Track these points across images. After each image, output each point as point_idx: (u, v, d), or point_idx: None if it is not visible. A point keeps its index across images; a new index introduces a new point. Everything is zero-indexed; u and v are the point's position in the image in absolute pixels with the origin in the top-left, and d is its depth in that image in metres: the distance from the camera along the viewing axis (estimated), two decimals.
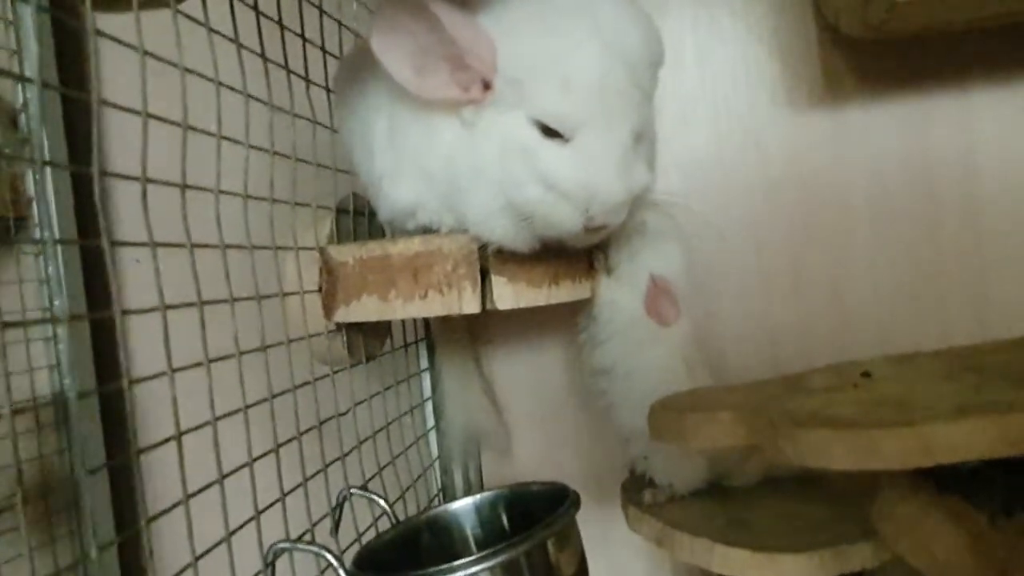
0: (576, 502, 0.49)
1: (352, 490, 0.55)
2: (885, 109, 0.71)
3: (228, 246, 0.43)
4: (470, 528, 0.53)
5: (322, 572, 0.50)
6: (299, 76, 0.54)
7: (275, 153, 0.49)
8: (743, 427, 0.42)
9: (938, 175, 0.72)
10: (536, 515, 0.48)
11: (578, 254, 0.55)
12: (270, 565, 0.45)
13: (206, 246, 0.40)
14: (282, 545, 0.45)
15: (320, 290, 0.54)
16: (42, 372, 0.80)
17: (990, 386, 0.38)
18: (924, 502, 0.39)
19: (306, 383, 0.51)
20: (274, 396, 0.47)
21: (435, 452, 0.78)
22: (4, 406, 0.29)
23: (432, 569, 0.43)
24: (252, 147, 0.46)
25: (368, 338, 0.61)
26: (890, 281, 0.72)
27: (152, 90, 0.37)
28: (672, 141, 0.74)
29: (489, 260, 0.51)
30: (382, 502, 0.55)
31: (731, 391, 0.48)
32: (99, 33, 0.34)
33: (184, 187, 0.39)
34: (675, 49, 0.74)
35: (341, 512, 0.55)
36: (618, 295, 0.55)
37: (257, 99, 0.47)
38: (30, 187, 0.81)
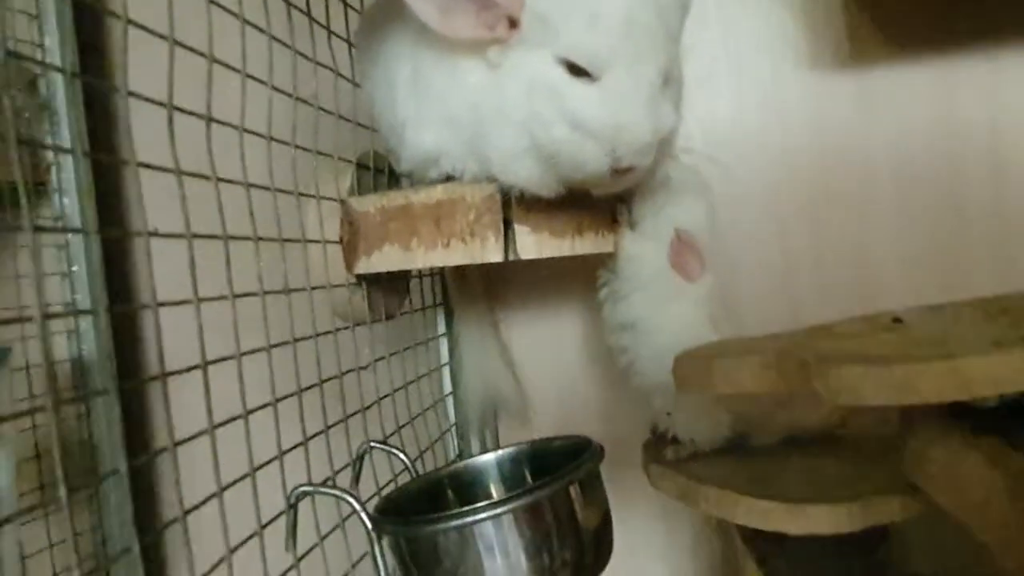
0: (600, 452, 0.49)
1: (373, 443, 0.54)
2: (911, 72, 0.70)
3: (252, 185, 0.42)
4: (492, 483, 0.52)
5: (344, 519, 0.50)
6: (321, 25, 0.54)
7: (298, 99, 0.49)
8: (773, 371, 0.41)
9: (964, 140, 0.70)
10: (558, 469, 0.48)
11: (601, 207, 0.54)
12: (292, 507, 0.45)
13: (230, 181, 0.40)
14: (304, 488, 0.45)
15: (341, 241, 0.54)
16: (61, 337, 0.80)
17: None
18: (959, 444, 0.38)
19: (328, 332, 0.51)
20: (296, 340, 0.47)
21: (452, 418, 0.78)
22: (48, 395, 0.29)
23: (455, 511, 0.43)
24: (275, 90, 0.46)
25: (387, 296, 0.61)
26: (913, 248, 0.71)
27: (177, 25, 0.37)
28: (693, 103, 0.72)
29: (512, 210, 0.50)
30: (403, 456, 0.54)
31: (757, 340, 0.47)
32: None
33: (209, 119, 0.38)
34: (698, 9, 0.72)
35: (361, 464, 0.54)
36: (642, 249, 0.54)
37: (280, 41, 0.47)
38: (48, 155, 0.81)
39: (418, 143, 0.50)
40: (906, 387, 0.34)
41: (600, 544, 0.47)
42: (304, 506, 0.46)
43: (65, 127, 0.81)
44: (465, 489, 0.51)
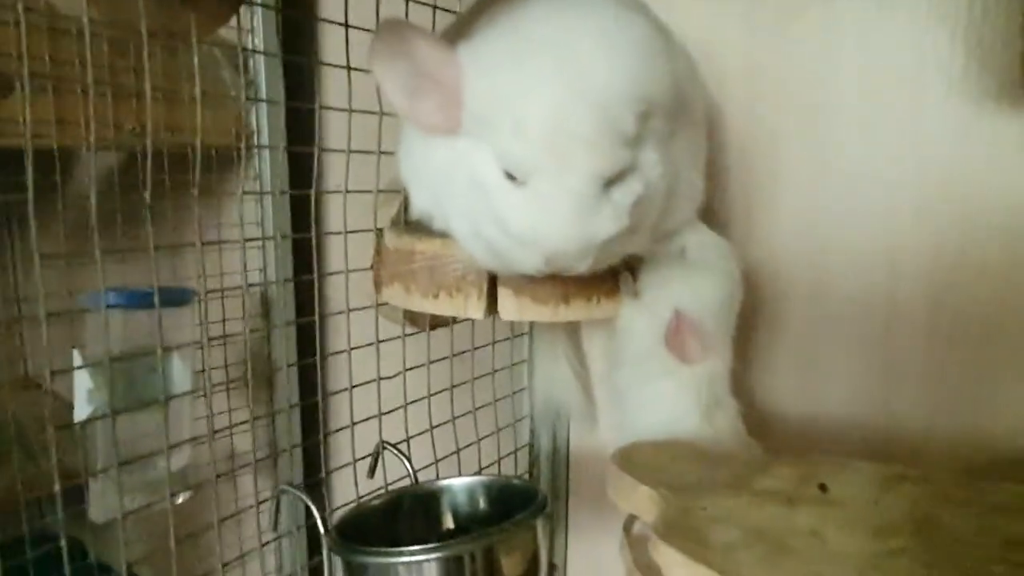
0: (539, 509, 0.51)
1: (386, 444, 0.62)
2: None
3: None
4: (448, 509, 0.57)
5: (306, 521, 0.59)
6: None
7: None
8: (655, 509, 0.40)
9: None
10: (512, 507, 0.52)
11: (602, 274, 0.53)
12: (276, 499, 0.55)
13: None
14: (283, 487, 0.55)
15: (372, 268, 0.60)
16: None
17: (894, 565, 0.31)
18: None
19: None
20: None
21: (526, 410, 0.82)
22: None
23: (382, 549, 0.49)
24: None
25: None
26: None
27: None
28: (804, 139, 0.64)
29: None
30: (407, 464, 0.61)
31: (689, 460, 0.44)
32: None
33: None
34: (829, 25, 0.62)
35: (376, 460, 0.63)
36: (637, 322, 0.52)
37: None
38: (251, 123, 0.97)
39: (415, 200, 0.53)
40: None
41: None
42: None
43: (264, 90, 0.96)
44: (422, 511, 0.57)
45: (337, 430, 0.63)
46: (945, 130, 0.59)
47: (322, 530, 0.52)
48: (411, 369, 0.64)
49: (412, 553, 0.48)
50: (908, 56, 0.60)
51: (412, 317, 0.65)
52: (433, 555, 0.48)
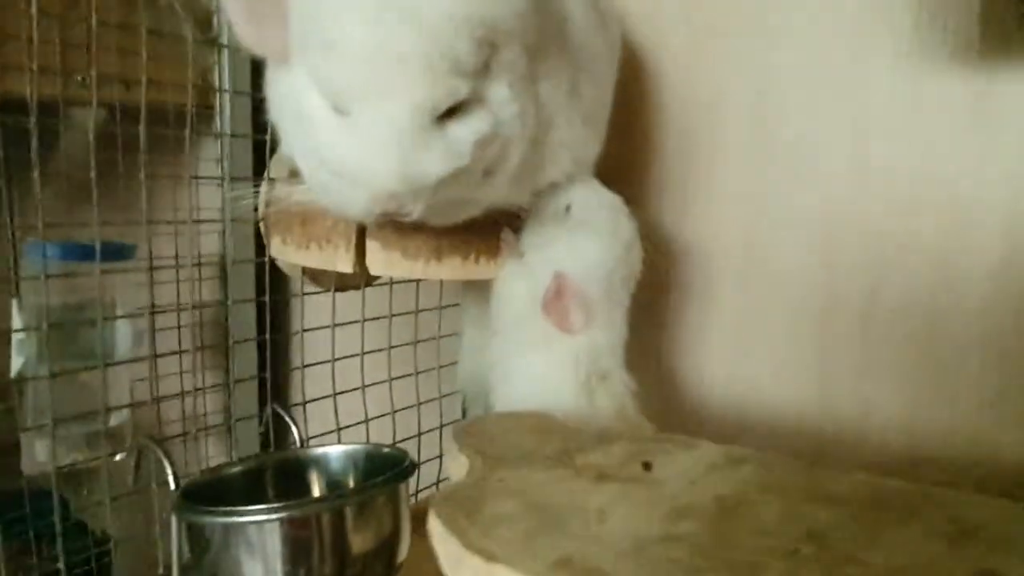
0: (400, 475, 0.47)
1: (275, 407, 0.59)
2: None
3: None
4: (324, 476, 0.54)
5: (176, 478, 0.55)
6: None
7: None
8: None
9: None
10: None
11: (482, 231, 0.49)
12: (138, 453, 0.53)
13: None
14: (143, 441, 0.52)
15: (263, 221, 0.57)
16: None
17: (661, 550, 0.26)
18: None
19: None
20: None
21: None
22: None
23: (227, 509, 0.46)
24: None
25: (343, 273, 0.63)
26: (1005, 341, 0.50)
27: None
28: (745, 108, 0.59)
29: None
30: (295, 430, 0.58)
31: (526, 432, 0.40)
32: None
33: None
34: None
35: (268, 427, 0.60)
36: (515, 285, 0.48)
37: None
38: (215, 80, 0.95)
39: (283, 141, 0.50)
40: (455, 566, 0.28)
41: (370, 566, 0.47)
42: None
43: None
44: (294, 480, 0.54)
45: (214, 386, 0.60)
46: (893, 94, 0.53)
47: (172, 487, 0.50)
48: (308, 331, 0.60)
49: (249, 513, 0.45)
50: (856, 5, 0.54)
51: (313, 275, 0.62)
52: (273, 516, 0.45)
